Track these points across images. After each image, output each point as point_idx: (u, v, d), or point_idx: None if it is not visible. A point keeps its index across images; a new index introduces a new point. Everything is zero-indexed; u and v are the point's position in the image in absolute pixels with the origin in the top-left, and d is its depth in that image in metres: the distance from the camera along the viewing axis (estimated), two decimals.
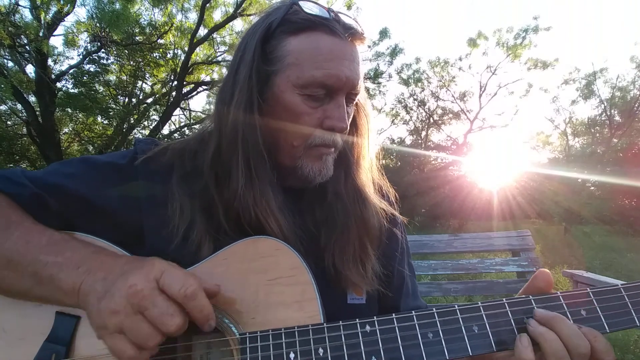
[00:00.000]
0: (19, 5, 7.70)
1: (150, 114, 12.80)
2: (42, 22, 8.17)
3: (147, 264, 0.51)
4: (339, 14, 0.66)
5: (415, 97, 15.84)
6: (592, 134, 16.11)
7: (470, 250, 2.11)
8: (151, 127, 12.46)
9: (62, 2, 8.20)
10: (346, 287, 0.68)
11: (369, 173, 0.76)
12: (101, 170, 0.67)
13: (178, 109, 12.17)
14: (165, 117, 10.97)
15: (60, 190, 0.62)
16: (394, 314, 0.54)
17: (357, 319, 0.54)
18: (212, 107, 0.71)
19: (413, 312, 0.54)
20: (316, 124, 0.64)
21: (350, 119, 0.69)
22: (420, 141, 16.65)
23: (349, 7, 10.55)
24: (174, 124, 13.61)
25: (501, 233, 2.16)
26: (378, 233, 0.73)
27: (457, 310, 0.54)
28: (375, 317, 0.54)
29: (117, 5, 8.18)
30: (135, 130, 12.67)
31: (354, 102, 0.70)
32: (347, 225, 0.69)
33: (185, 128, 13.41)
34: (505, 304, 0.54)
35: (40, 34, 7.70)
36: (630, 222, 12.05)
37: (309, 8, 0.63)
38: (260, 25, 0.65)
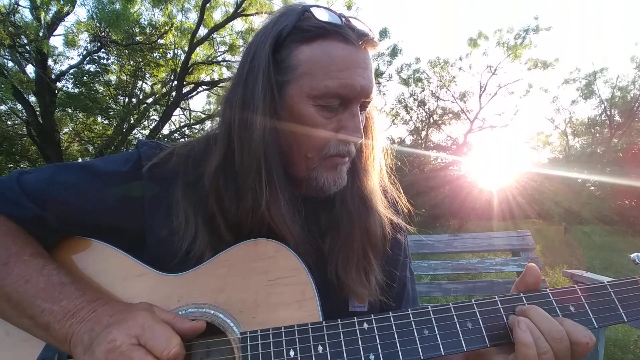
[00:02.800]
0: (19, 5, 7.71)
1: (150, 114, 12.79)
2: (42, 22, 8.18)
3: (131, 317, 0.52)
4: (351, 19, 0.64)
5: (415, 97, 15.85)
6: (592, 134, 16.11)
7: (470, 250, 2.12)
8: (151, 127, 12.46)
9: (62, 2, 8.20)
10: (348, 296, 0.68)
11: (376, 179, 0.74)
12: (103, 180, 0.64)
13: (178, 109, 12.16)
14: (165, 117, 10.96)
15: (62, 206, 0.62)
16: (390, 312, 0.55)
17: (355, 318, 0.55)
18: (219, 114, 0.68)
19: (409, 310, 0.55)
20: (331, 134, 0.62)
21: (362, 126, 0.66)
22: (420, 141, 16.65)
23: (349, 7, 10.54)
24: (174, 124, 13.60)
25: (501, 233, 2.17)
26: (382, 243, 0.72)
27: (452, 308, 0.55)
28: (372, 316, 0.55)
29: (117, 5, 8.17)
30: (135, 130, 12.67)
31: (367, 109, 0.68)
32: (351, 233, 0.68)
33: (185, 128, 13.40)
34: (498, 301, 0.56)
35: (40, 34, 7.70)
36: (630, 222, 12.07)
37: (320, 15, 0.61)
38: (269, 33, 0.62)
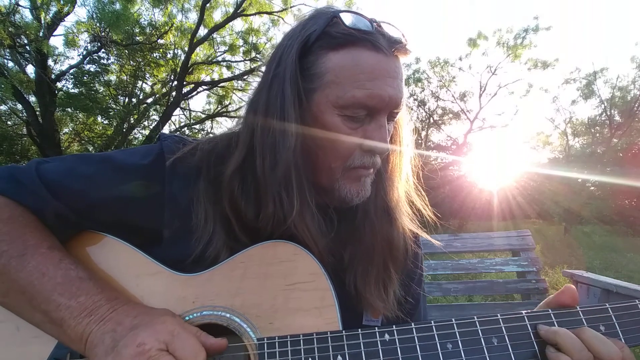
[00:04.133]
0: (19, 5, 7.69)
1: (150, 114, 12.77)
2: (43, 22, 8.16)
3: (158, 321, 0.50)
4: (383, 24, 0.61)
5: (415, 97, 15.82)
6: (592, 134, 16.07)
7: (470, 250, 2.12)
8: (151, 127, 12.44)
9: (62, 2, 8.18)
10: (364, 309, 0.66)
11: (402, 190, 0.71)
12: (123, 173, 0.62)
13: (178, 109, 12.15)
14: (165, 117, 10.93)
15: (79, 198, 0.60)
16: (413, 324, 0.54)
17: (377, 328, 0.54)
18: (242, 116, 0.66)
19: (432, 322, 0.54)
20: (356, 145, 0.60)
21: (389, 137, 0.64)
22: (420, 141, 16.62)
23: (348, 7, 10.53)
24: (174, 124, 13.57)
25: (501, 233, 2.18)
26: (403, 256, 0.70)
27: (477, 322, 0.53)
28: (394, 327, 0.54)
29: (117, 6, 8.17)
30: (135, 130, 12.67)
31: (395, 120, 0.65)
32: (373, 245, 0.66)
33: (185, 128, 13.39)
34: (525, 317, 0.54)
35: (41, 34, 7.68)
36: (630, 222, 12.10)
37: (350, 21, 0.58)
38: (296, 37, 0.60)
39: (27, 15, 8.28)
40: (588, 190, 13.18)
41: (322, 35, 0.59)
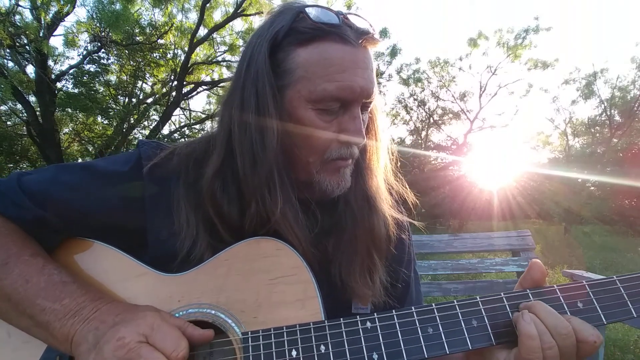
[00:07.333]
0: (19, 5, 7.72)
1: (150, 114, 12.80)
2: (42, 22, 8.18)
3: (139, 316, 0.51)
4: (350, 16, 0.62)
5: (415, 97, 15.83)
6: (592, 134, 16.07)
7: (470, 250, 2.12)
8: (151, 127, 12.46)
9: (62, 2, 8.20)
10: (351, 298, 0.67)
11: (381, 177, 0.72)
12: (104, 180, 0.64)
13: (178, 109, 12.16)
14: (165, 117, 10.95)
15: (63, 207, 0.61)
16: (394, 311, 0.54)
17: (358, 317, 0.54)
18: (217, 117, 0.68)
19: (413, 308, 0.54)
20: (332, 138, 0.61)
21: (365, 127, 0.65)
22: (420, 141, 16.64)
23: (348, 7, 10.54)
24: (174, 124, 13.60)
25: (501, 233, 2.17)
26: (386, 243, 0.70)
27: (456, 306, 0.54)
28: (375, 314, 0.54)
29: (117, 6, 8.18)
30: (135, 130, 12.68)
31: (369, 109, 0.67)
32: (355, 234, 0.66)
33: (185, 128, 13.41)
34: (503, 298, 0.55)
35: (41, 34, 7.70)
36: (630, 222, 12.11)
37: (316, 15, 0.59)
38: (265, 35, 0.61)
39: (27, 15, 8.31)
40: (588, 190, 13.20)
41: (289, 31, 0.60)
